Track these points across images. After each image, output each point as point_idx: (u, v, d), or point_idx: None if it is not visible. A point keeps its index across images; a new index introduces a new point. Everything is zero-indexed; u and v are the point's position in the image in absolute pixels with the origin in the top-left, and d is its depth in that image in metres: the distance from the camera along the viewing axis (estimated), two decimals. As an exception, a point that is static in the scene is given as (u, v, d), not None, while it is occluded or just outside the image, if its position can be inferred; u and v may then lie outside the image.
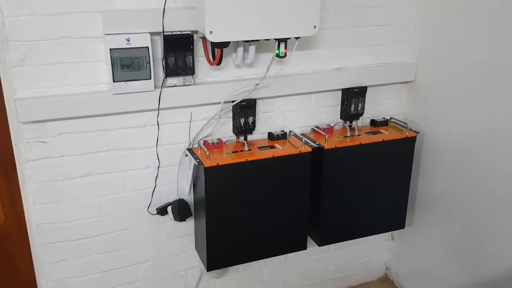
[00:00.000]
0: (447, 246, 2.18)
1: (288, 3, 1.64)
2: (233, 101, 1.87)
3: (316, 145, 1.96)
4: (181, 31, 1.71)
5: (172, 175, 1.95)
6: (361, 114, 2.16)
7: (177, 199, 1.96)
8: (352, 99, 2.10)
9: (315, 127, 2.10)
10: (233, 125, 1.97)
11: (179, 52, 1.73)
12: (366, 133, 2.11)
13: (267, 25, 1.64)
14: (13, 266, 1.93)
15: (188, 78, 1.79)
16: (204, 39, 1.77)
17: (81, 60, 1.67)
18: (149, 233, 2.00)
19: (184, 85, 1.79)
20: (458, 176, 2.05)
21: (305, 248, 2.09)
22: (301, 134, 2.08)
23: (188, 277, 2.17)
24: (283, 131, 2.04)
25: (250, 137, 2.01)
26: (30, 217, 1.82)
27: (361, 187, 2.11)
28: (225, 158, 1.81)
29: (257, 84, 1.85)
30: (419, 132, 2.14)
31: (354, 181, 2.08)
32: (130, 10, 1.65)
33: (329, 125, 2.12)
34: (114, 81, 1.66)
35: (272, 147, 1.94)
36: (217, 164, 1.78)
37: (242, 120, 1.92)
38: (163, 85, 1.77)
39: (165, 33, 1.69)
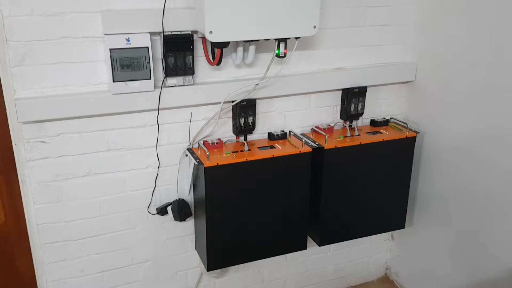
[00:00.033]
0: (447, 246, 2.18)
1: (288, 3, 1.64)
2: (233, 101, 1.87)
3: (316, 145, 1.96)
4: (181, 31, 1.71)
5: (172, 175, 1.95)
6: (361, 114, 2.16)
7: (177, 199, 1.96)
8: (352, 99, 2.10)
9: (315, 127, 2.10)
10: (233, 125, 1.97)
11: (179, 52, 1.73)
12: (366, 133, 2.11)
13: (267, 25, 1.64)
14: (13, 266, 1.93)
15: (188, 78, 1.79)
16: (204, 39, 1.77)
17: (81, 60, 1.67)
18: (149, 233, 2.00)
19: (184, 85, 1.79)
20: (458, 176, 2.05)
21: (305, 248, 2.09)
22: (301, 134, 2.08)
23: (188, 277, 2.17)
24: (283, 131, 2.04)
25: (250, 137, 2.01)
26: (30, 217, 1.82)
27: (361, 187, 2.11)
28: (225, 158, 1.81)
29: (257, 84, 1.85)
30: (419, 132, 2.14)
31: (354, 181, 2.08)
32: (130, 10, 1.65)
33: (329, 125, 2.12)
34: (114, 81, 1.66)
35: (272, 147, 1.94)
36: (217, 164, 1.78)
37: (242, 120, 1.92)
38: (163, 85, 1.77)
39: (165, 33, 1.69)
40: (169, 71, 1.74)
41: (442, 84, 2.07)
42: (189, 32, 1.72)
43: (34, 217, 1.80)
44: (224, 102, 1.84)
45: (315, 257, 2.44)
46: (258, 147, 1.93)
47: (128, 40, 1.63)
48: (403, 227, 2.28)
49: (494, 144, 1.87)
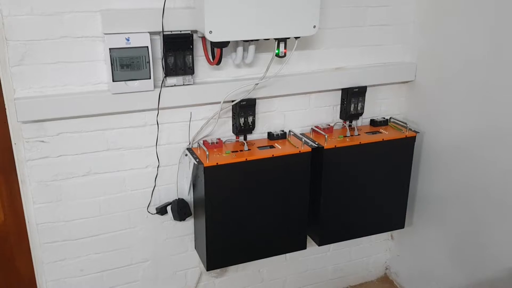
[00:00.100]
0: (446, 245, 2.18)
1: (287, 2, 1.64)
2: (232, 101, 1.88)
3: (316, 145, 1.96)
4: (180, 31, 1.71)
5: (172, 175, 1.95)
6: (361, 114, 2.16)
7: (177, 198, 1.96)
8: (352, 99, 2.10)
9: (315, 127, 2.10)
10: (232, 125, 1.97)
11: (178, 52, 1.73)
12: (366, 133, 2.11)
13: (266, 24, 1.64)
14: (12, 266, 1.93)
15: (188, 77, 1.79)
16: (203, 38, 1.77)
17: (81, 60, 1.67)
18: (148, 233, 2.00)
19: (183, 84, 1.79)
20: (458, 176, 2.05)
21: (304, 247, 2.09)
22: (300, 134, 2.08)
23: (188, 277, 2.17)
24: (282, 130, 2.04)
25: (249, 137, 2.01)
26: (30, 217, 1.82)
27: (361, 186, 2.11)
28: (225, 157, 1.81)
29: (257, 84, 1.85)
30: (418, 132, 2.14)
31: (353, 180, 2.08)
32: (129, 10, 1.65)
33: (329, 125, 2.12)
34: (113, 81, 1.66)
35: (272, 146, 1.95)
36: (217, 163, 1.78)
37: (242, 120, 1.92)
38: (162, 84, 1.77)
39: (164, 33, 1.69)
40: (169, 71, 1.74)
41: (441, 84, 2.07)
42: (189, 32, 1.72)
43: (33, 216, 1.80)
44: (224, 102, 1.84)
45: (315, 257, 2.44)
46: (258, 147, 1.93)
47: (127, 39, 1.63)
48: (403, 227, 2.28)
49: (493, 144, 1.87)
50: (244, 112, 1.91)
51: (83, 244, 1.90)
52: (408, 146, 2.13)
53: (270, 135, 2.02)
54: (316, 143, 1.98)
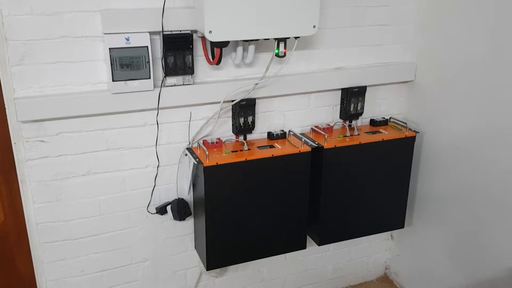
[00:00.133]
0: (446, 245, 2.18)
1: (287, 2, 1.64)
2: (232, 101, 1.87)
3: (316, 145, 1.96)
4: (180, 31, 1.71)
5: (172, 175, 1.95)
6: (361, 113, 2.16)
7: (177, 198, 1.96)
8: (352, 98, 2.10)
9: (315, 126, 2.10)
10: (232, 125, 1.97)
11: (178, 52, 1.73)
12: (366, 132, 2.11)
13: (266, 24, 1.64)
14: (12, 265, 1.93)
15: (188, 77, 1.79)
16: (203, 38, 1.77)
17: (80, 60, 1.67)
18: (148, 232, 2.00)
19: (183, 84, 1.79)
20: (458, 176, 2.05)
21: (304, 247, 2.09)
22: (300, 133, 2.08)
23: (188, 277, 2.17)
24: (282, 130, 2.05)
25: (249, 137, 2.01)
26: (30, 216, 1.82)
27: (361, 186, 2.11)
28: (225, 157, 1.81)
29: (257, 84, 1.85)
30: (418, 132, 2.14)
31: (353, 180, 2.08)
32: (129, 10, 1.65)
33: (329, 125, 2.12)
34: (113, 81, 1.66)
35: (272, 146, 1.95)
36: (217, 163, 1.78)
37: (242, 120, 1.92)
38: (162, 84, 1.77)
39: (164, 33, 1.69)
40: (169, 71, 1.74)
41: (441, 84, 2.07)
42: (189, 32, 1.72)
43: (33, 216, 1.80)
44: (224, 102, 1.84)
45: (315, 257, 2.44)
46: (258, 147, 1.93)
47: (127, 39, 1.63)
48: (403, 227, 2.28)
49: (493, 144, 1.87)
50: (244, 112, 1.91)
51: (83, 244, 1.91)
52: (408, 146, 2.13)
53: (270, 135, 2.02)
54: (316, 143, 1.98)
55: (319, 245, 2.15)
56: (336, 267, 2.53)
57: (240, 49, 1.80)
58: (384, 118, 2.22)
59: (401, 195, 2.21)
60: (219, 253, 1.93)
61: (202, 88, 1.83)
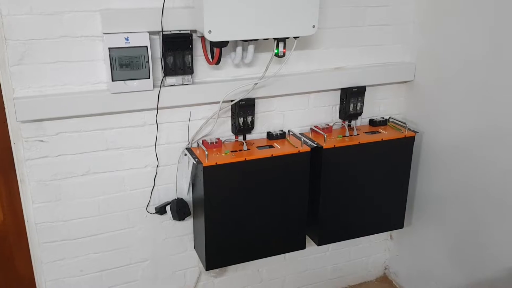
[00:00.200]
0: (445, 245, 2.19)
1: (287, 2, 1.64)
2: (232, 101, 1.87)
3: (315, 145, 1.97)
4: (180, 31, 1.71)
5: (171, 175, 1.95)
6: (360, 113, 2.16)
7: (176, 198, 1.96)
8: (351, 98, 2.10)
9: (314, 126, 2.10)
10: (232, 125, 1.97)
11: (178, 52, 1.73)
12: (365, 132, 2.11)
13: (266, 24, 1.65)
14: (11, 265, 1.93)
15: (187, 77, 1.79)
16: (203, 38, 1.77)
17: (80, 59, 1.67)
18: (147, 232, 2.00)
19: (183, 84, 1.79)
20: (457, 176, 2.05)
21: (303, 247, 2.09)
22: (300, 133, 2.09)
23: (187, 277, 2.17)
24: (282, 130, 2.05)
25: (249, 137, 2.01)
26: (29, 216, 1.82)
27: (360, 186, 2.11)
28: (224, 157, 1.81)
29: (256, 84, 1.85)
30: (417, 132, 2.14)
31: (352, 180, 2.08)
32: (129, 9, 1.65)
33: (328, 125, 2.12)
34: (112, 80, 1.66)
35: (271, 146, 1.95)
36: (216, 163, 1.78)
37: (241, 120, 1.92)
38: (162, 84, 1.77)
39: (164, 33, 1.69)
40: (168, 70, 1.74)
41: (441, 84, 2.08)
42: (188, 32, 1.72)
43: (32, 216, 1.80)
44: (223, 102, 1.84)
45: (314, 257, 2.44)
46: (257, 147, 1.93)
47: (127, 39, 1.63)
48: (402, 227, 2.28)
49: (492, 144, 1.87)
50: (243, 112, 1.91)
51: (82, 244, 1.90)
52: (407, 146, 2.13)
53: (269, 135, 2.02)
54: (315, 143, 1.98)
55: (318, 245, 2.15)
56: (335, 267, 2.53)
57: (239, 49, 1.81)
58: (383, 118, 2.22)
59: (401, 195, 2.22)
60: (218, 253, 1.93)
61: (201, 88, 1.83)
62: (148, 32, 1.67)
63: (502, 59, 1.78)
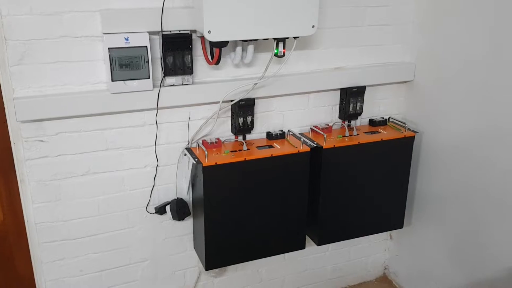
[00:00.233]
0: (445, 245, 2.19)
1: (286, 2, 1.64)
2: (231, 101, 1.88)
3: (315, 145, 1.97)
4: (179, 31, 1.71)
5: (171, 175, 1.95)
6: (360, 113, 2.16)
7: (176, 198, 1.96)
8: (351, 98, 2.10)
9: (314, 126, 2.10)
10: (231, 125, 1.97)
11: (177, 52, 1.73)
12: (365, 132, 2.11)
13: (265, 24, 1.65)
14: (11, 265, 1.93)
15: (187, 77, 1.79)
16: (202, 38, 1.77)
17: (80, 59, 1.67)
18: (147, 232, 2.00)
19: (182, 84, 1.80)
20: (457, 176, 2.05)
21: (303, 247, 2.09)
22: (299, 133, 2.09)
23: (187, 276, 2.17)
24: (281, 130, 2.05)
25: (248, 137, 2.01)
26: (29, 216, 1.82)
27: (360, 186, 2.11)
28: (224, 157, 1.81)
29: (256, 84, 1.85)
30: (417, 132, 2.14)
31: (352, 180, 2.08)
32: (128, 10, 1.65)
33: (328, 125, 2.12)
34: (112, 80, 1.66)
35: (271, 146, 1.95)
36: (216, 163, 1.78)
37: (241, 120, 1.92)
38: (161, 84, 1.77)
39: (163, 33, 1.69)
40: (168, 71, 1.74)
41: (440, 84, 2.08)
42: (188, 32, 1.72)
43: (32, 216, 1.80)
44: (223, 102, 1.84)
45: (314, 257, 2.44)
46: (257, 147, 1.93)
47: (127, 39, 1.63)
48: (402, 227, 2.28)
49: (492, 144, 1.87)
50: (243, 112, 1.91)
51: (82, 244, 1.91)
52: (407, 146, 2.13)
53: (269, 135, 2.02)
54: (315, 143, 1.98)
55: (318, 245, 2.15)
56: (335, 267, 2.53)
57: (239, 49, 1.81)
58: (383, 118, 2.22)
59: (400, 195, 2.22)
60: (218, 253, 1.94)
61: (201, 88, 1.83)
62: (148, 32, 1.67)
63: (502, 59, 1.78)
